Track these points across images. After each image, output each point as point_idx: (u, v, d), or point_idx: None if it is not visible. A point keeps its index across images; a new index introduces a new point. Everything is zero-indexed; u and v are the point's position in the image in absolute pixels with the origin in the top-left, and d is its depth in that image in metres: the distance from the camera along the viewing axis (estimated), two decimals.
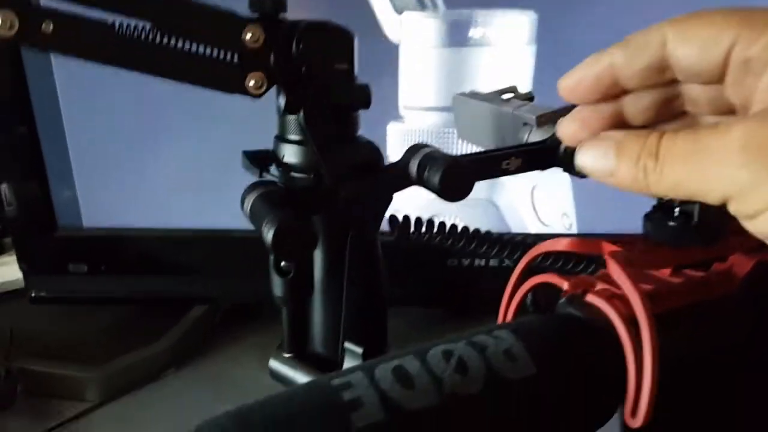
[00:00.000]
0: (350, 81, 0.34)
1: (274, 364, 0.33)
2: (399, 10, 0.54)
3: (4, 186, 0.63)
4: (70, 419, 0.56)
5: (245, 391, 0.59)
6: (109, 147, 0.62)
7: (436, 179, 0.32)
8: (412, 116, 0.57)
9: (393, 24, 0.55)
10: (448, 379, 0.23)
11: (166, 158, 0.62)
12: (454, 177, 0.32)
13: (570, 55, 0.55)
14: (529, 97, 0.44)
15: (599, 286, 0.27)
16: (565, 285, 0.28)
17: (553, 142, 0.36)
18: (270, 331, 0.68)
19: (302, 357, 0.33)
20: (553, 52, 0.55)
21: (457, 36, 0.55)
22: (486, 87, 0.47)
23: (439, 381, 0.23)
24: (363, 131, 0.55)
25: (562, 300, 0.28)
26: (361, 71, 0.35)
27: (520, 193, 0.60)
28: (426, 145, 0.35)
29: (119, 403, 0.58)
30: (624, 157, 0.25)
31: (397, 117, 0.57)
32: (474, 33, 0.55)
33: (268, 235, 0.28)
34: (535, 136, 0.39)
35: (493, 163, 0.34)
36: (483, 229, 0.43)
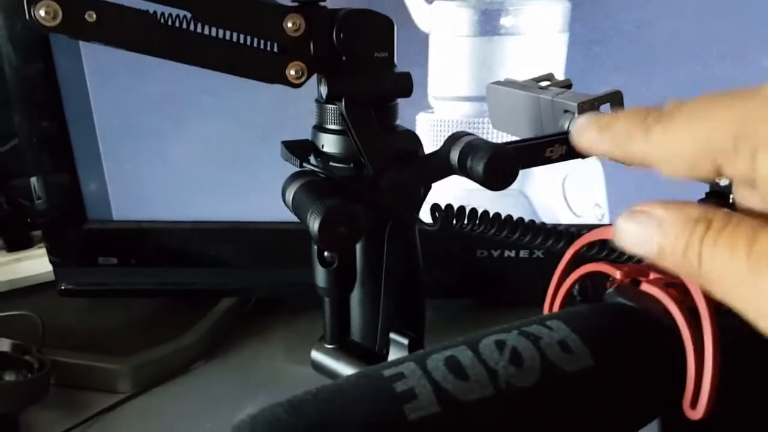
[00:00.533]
0: (391, 69, 0.34)
1: (317, 355, 0.33)
2: (430, 0, 0.54)
3: (34, 179, 0.63)
4: (102, 411, 0.56)
5: (274, 383, 0.59)
6: (139, 139, 0.62)
7: (480, 167, 0.31)
8: (442, 106, 0.57)
9: (423, 13, 0.54)
10: (503, 370, 0.22)
11: (196, 150, 0.62)
12: (498, 165, 0.31)
13: (602, 43, 0.55)
14: (567, 85, 0.43)
15: (653, 275, 0.26)
16: (617, 274, 0.27)
17: None
18: (297, 323, 0.69)
19: (345, 348, 0.33)
20: (586, 41, 0.55)
21: (488, 25, 0.54)
22: (518, 76, 0.46)
23: (493, 372, 0.22)
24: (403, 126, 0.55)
25: (611, 290, 0.28)
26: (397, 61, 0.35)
27: (551, 184, 0.60)
28: (467, 133, 0.35)
29: (150, 394, 0.58)
30: (667, 245, 0.22)
31: (426, 107, 0.57)
32: (506, 22, 0.54)
33: (315, 224, 0.27)
34: None
35: (538, 151, 0.34)
36: None
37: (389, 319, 0.37)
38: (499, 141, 0.36)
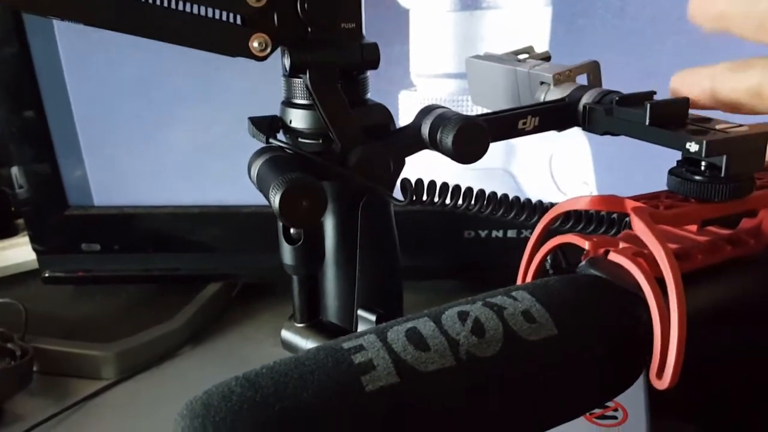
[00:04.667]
0: (358, 40, 0.33)
1: (286, 334, 0.32)
2: None
3: (15, 168, 0.62)
4: (86, 397, 0.55)
5: None
6: (117, 125, 0.61)
7: (449, 140, 0.31)
8: (425, 84, 0.56)
9: None
10: (464, 340, 0.22)
11: (175, 134, 0.61)
12: (468, 137, 0.31)
13: (588, 15, 0.54)
14: (545, 57, 0.42)
15: (622, 245, 0.26)
16: (586, 244, 0.26)
17: (572, 99, 0.34)
18: (284, 307, 0.68)
19: (315, 327, 0.32)
20: (570, 13, 0.53)
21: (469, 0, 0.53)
22: (501, 51, 0.45)
23: (454, 343, 0.22)
24: (376, 98, 0.54)
25: (583, 262, 0.27)
26: (370, 38, 0.34)
27: (537, 163, 0.59)
28: (439, 106, 0.34)
29: (136, 380, 0.58)
30: None
31: (409, 85, 0.56)
32: None
33: (275, 199, 0.27)
34: (553, 95, 0.37)
35: (510, 123, 0.33)
36: None
37: (365, 300, 0.36)
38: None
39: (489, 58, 0.44)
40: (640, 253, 0.25)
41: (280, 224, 0.31)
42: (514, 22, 0.54)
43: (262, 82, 0.58)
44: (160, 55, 0.57)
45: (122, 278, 0.66)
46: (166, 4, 0.30)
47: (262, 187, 0.29)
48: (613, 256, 0.25)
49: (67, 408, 0.54)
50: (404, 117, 0.56)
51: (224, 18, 0.32)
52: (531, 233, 0.28)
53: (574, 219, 0.34)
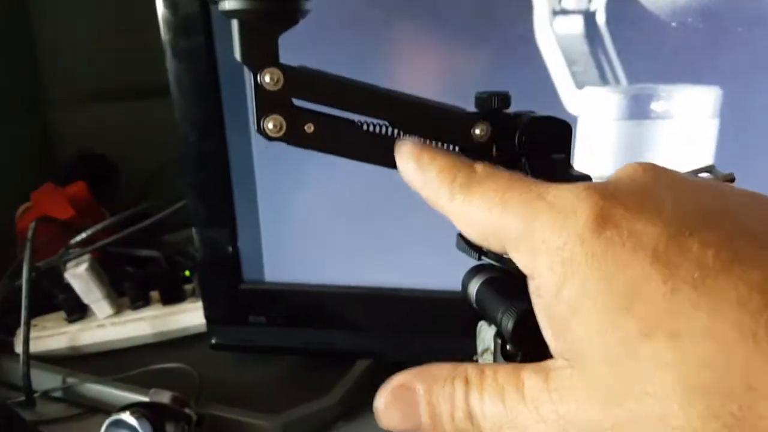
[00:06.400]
0: (567, 169, 0.36)
1: None
2: (580, 86, 0.56)
3: (195, 231, 0.68)
4: None
5: None
6: (294, 209, 0.66)
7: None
8: None
9: (573, 98, 0.56)
10: None
11: (344, 220, 0.66)
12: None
13: (753, 130, 0.55)
14: (730, 179, 0.44)
15: None
16: None
17: None
18: None
19: None
20: (737, 128, 0.55)
21: (638, 109, 0.56)
22: (666, 161, 0.47)
23: None
24: None
25: None
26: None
27: None
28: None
29: None
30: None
31: None
32: (656, 107, 0.55)
33: (508, 325, 0.29)
34: None
35: None
36: None
37: None
38: None
39: None
40: None
41: (498, 341, 0.34)
42: (681, 133, 0.56)
43: None
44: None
45: (283, 349, 0.70)
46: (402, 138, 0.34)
47: (486, 310, 0.32)
48: None
49: None
50: None
51: (449, 148, 0.35)
52: None
53: None
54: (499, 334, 0.32)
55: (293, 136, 0.33)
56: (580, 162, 0.58)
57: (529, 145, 0.35)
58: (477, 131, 0.35)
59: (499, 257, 0.37)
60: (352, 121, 0.34)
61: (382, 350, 0.70)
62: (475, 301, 0.34)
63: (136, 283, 0.78)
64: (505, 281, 0.34)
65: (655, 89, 0.55)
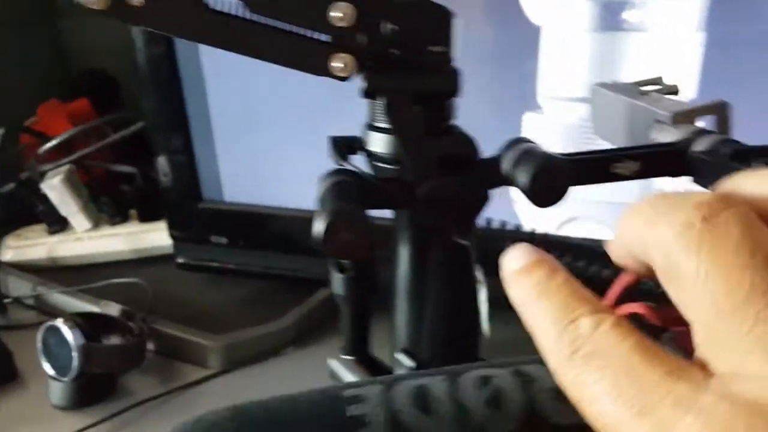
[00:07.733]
0: (444, 66, 0.31)
1: (333, 363, 0.31)
2: None
3: (161, 158, 0.66)
4: (190, 383, 0.58)
5: None
6: (251, 127, 0.63)
7: (524, 179, 0.28)
8: (552, 107, 0.52)
9: (536, 4, 0.50)
10: (477, 410, 0.19)
11: (306, 140, 0.62)
12: (545, 178, 0.27)
13: (745, 46, 0.47)
14: (673, 91, 0.38)
15: None
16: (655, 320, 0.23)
17: (682, 145, 0.30)
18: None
19: (360, 361, 0.31)
20: (726, 42, 0.47)
21: (610, 19, 0.49)
22: (639, 79, 0.41)
23: (464, 411, 0.19)
24: (497, 120, 0.51)
25: (667, 333, 0.23)
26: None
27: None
28: (527, 141, 0.31)
29: (238, 373, 0.60)
30: None
31: (535, 107, 0.52)
32: (630, 16, 0.48)
33: (317, 228, 0.25)
34: (667, 136, 0.33)
35: (600, 166, 0.29)
36: None
37: (432, 336, 0.34)
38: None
39: (613, 87, 0.40)
40: None
41: None
42: (659, 47, 0.48)
43: None
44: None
45: (244, 272, 0.68)
46: (252, 19, 0.30)
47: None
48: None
49: (171, 391, 0.57)
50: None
51: (310, 36, 0.31)
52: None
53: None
54: None
55: (116, 9, 0.29)
56: (543, 77, 0.51)
57: (400, 34, 0.30)
58: (335, 13, 0.30)
59: (369, 164, 0.33)
60: None
61: None
62: (318, 202, 0.30)
63: (114, 198, 0.77)
64: (351, 187, 0.30)
65: None
